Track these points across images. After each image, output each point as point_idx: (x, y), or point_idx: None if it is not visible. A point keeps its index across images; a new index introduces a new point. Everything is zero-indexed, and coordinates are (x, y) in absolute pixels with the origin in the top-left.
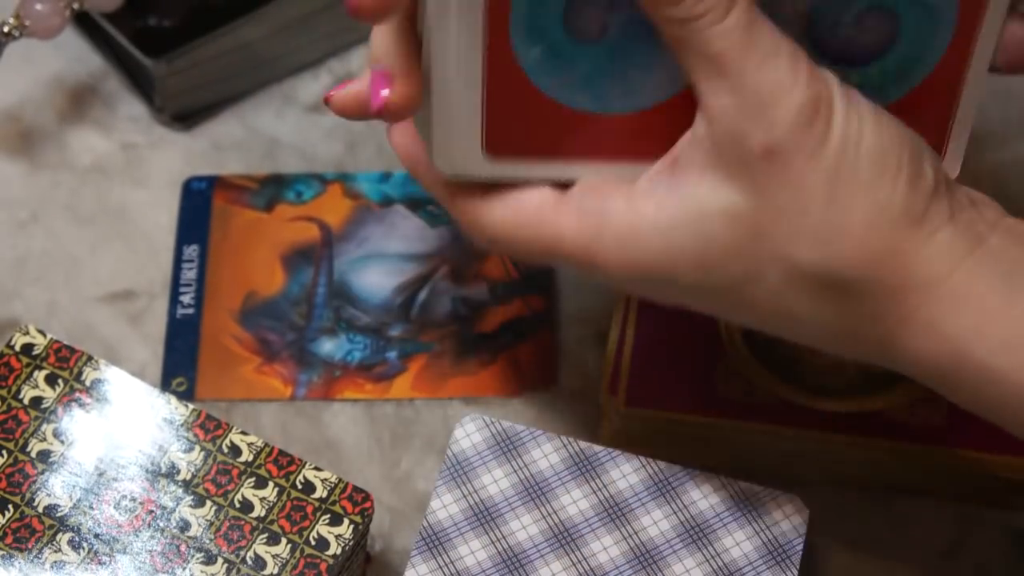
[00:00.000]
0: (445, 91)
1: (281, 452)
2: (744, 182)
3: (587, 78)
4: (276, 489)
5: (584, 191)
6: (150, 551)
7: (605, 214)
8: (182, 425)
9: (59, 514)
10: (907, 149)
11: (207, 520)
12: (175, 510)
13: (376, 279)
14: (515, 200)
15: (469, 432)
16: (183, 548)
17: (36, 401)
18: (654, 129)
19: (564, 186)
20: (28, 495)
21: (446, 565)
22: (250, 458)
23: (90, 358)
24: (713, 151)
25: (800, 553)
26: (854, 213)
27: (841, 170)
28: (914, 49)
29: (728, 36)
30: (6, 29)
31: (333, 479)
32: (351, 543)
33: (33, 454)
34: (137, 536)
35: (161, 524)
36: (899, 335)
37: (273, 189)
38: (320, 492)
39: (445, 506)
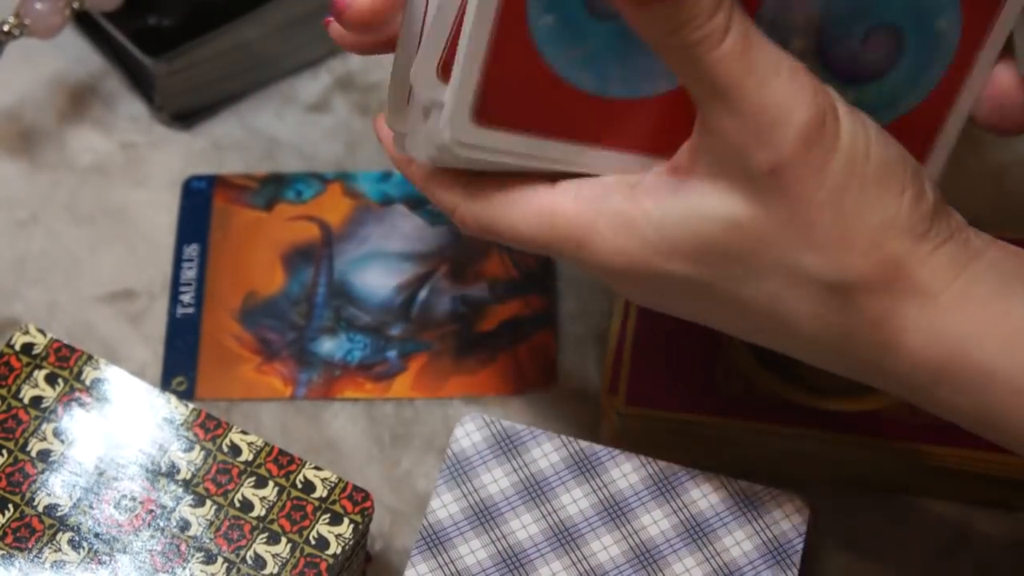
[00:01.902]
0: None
1: (281, 451)
2: (749, 194)
3: (594, 56)
4: (276, 488)
5: (584, 180)
6: (150, 551)
7: (603, 202)
8: (182, 424)
9: (59, 514)
10: (909, 167)
11: (207, 520)
12: (175, 510)
13: (376, 278)
14: (506, 182)
15: (469, 432)
16: (183, 548)
17: (36, 400)
18: (650, 121)
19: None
20: (28, 495)
21: (446, 565)
22: (250, 457)
23: (90, 357)
24: (716, 163)
25: (800, 553)
26: (861, 227)
27: (848, 185)
28: (911, 75)
29: (726, 60)
30: (6, 28)
31: (333, 478)
32: (351, 542)
33: (33, 453)
34: (137, 536)
35: (161, 524)
36: (899, 339)
37: (273, 188)
38: (320, 491)
39: (445, 505)
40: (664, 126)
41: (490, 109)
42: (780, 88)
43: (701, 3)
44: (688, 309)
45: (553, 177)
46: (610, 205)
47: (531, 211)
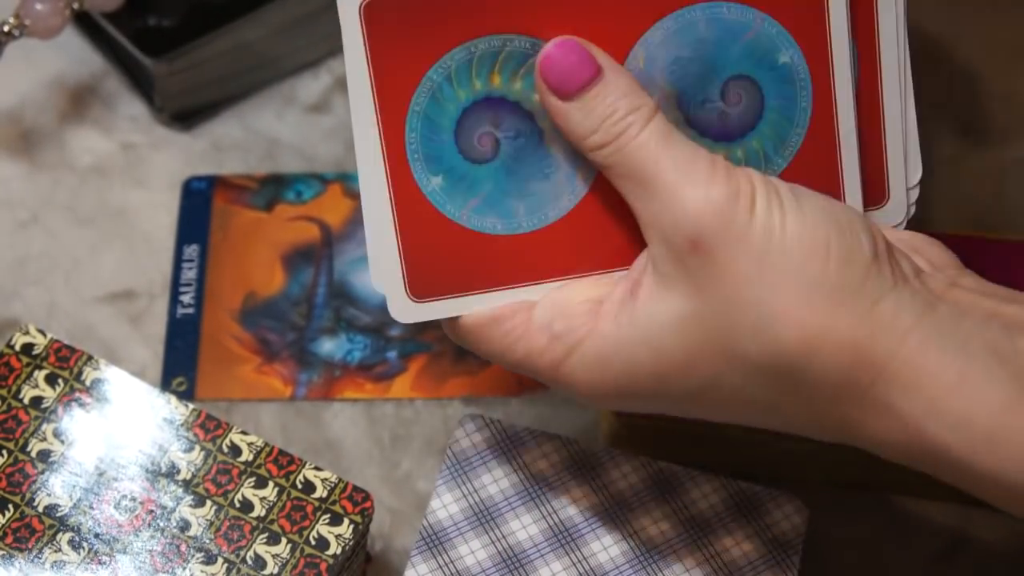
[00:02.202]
0: (370, 240)
1: (281, 452)
2: (683, 285)
3: (492, 199)
4: (276, 489)
5: (554, 315)
6: (150, 551)
7: (572, 338)
8: (182, 425)
9: (59, 514)
10: (834, 228)
11: (207, 520)
12: (175, 510)
13: None
14: (493, 310)
15: (469, 432)
16: (183, 548)
17: (36, 401)
18: (565, 242)
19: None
20: (28, 495)
21: (446, 565)
22: (250, 458)
23: (90, 358)
24: (654, 263)
25: (800, 553)
26: (787, 294)
27: (768, 255)
28: (783, 114)
29: (646, 147)
30: (6, 29)
31: (333, 479)
32: (351, 543)
33: (33, 454)
34: (137, 536)
35: (161, 524)
36: (858, 417)
37: (273, 189)
38: (320, 492)
39: (445, 506)
40: (579, 243)
41: (423, 284)
42: (697, 172)
43: (619, 101)
44: (671, 412)
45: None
46: (578, 340)
47: (510, 351)
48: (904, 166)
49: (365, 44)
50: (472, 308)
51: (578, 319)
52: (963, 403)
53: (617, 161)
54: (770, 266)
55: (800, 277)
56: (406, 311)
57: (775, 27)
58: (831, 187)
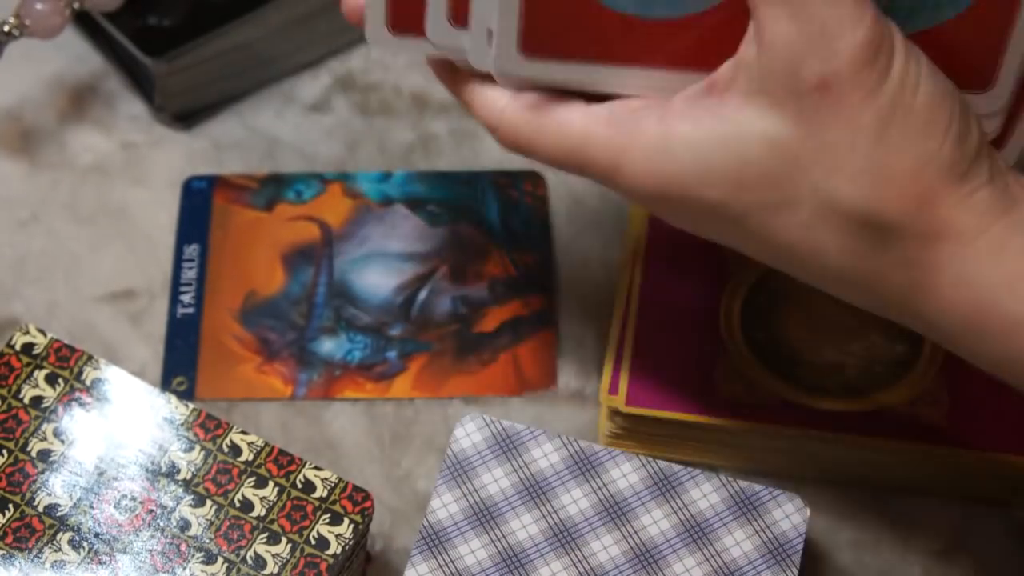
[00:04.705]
0: None
1: (281, 451)
2: (791, 112)
3: None
4: (276, 488)
5: (616, 103)
6: (150, 550)
7: (636, 126)
8: (182, 424)
9: (59, 513)
10: (958, 104)
11: (207, 519)
12: (175, 509)
13: (376, 279)
14: (542, 105)
15: (469, 432)
16: (183, 547)
17: (36, 400)
18: (696, 38)
19: (592, 100)
20: (28, 494)
21: (446, 564)
22: (250, 457)
23: (90, 357)
24: (760, 78)
25: (800, 553)
26: (902, 158)
27: (896, 113)
28: None
29: None
30: (6, 29)
31: (333, 478)
32: (351, 542)
33: (33, 453)
34: (137, 536)
35: (161, 523)
36: (928, 283)
37: (273, 189)
38: (320, 491)
39: (445, 505)
40: (711, 42)
41: (534, 41)
42: (845, 5)
43: None
44: (718, 234)
45: (590, 95)
46: (644, 128)
47: (565, 138)
48: (1010, 84)
49: None
50: (575, 79)
51: (643, 109)
52: None
53: None
54: (895, 126)
55: (919, 145)
56: (511, 65)
57: None
58: (987, 61)
